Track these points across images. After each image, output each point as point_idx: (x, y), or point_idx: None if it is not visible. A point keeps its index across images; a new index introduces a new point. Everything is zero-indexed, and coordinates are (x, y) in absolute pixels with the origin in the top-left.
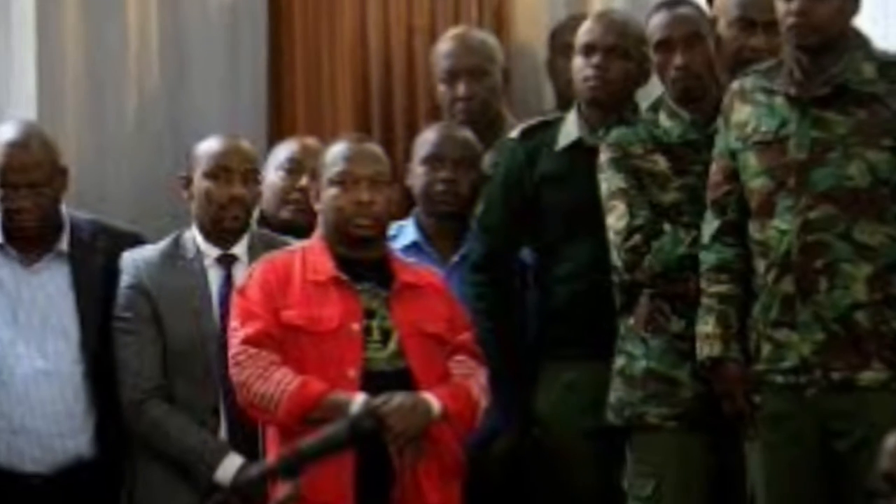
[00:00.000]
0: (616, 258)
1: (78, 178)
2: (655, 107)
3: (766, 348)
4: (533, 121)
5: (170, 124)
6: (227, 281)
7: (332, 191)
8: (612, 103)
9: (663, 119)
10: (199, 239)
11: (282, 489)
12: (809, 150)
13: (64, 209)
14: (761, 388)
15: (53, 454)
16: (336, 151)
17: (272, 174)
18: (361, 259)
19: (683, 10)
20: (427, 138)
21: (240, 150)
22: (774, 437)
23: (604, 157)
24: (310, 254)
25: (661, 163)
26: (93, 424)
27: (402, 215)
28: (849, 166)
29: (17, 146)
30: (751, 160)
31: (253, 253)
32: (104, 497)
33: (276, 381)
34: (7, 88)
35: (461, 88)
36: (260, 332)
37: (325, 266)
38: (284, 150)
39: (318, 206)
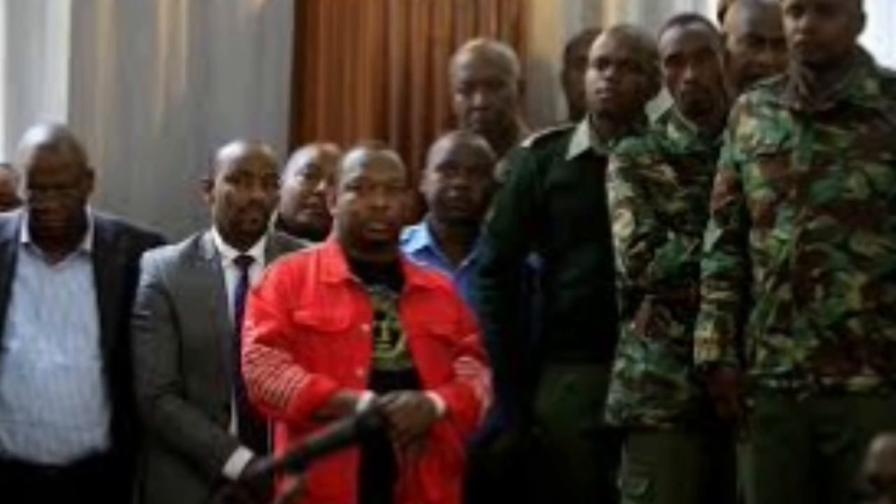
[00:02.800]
0: (620, 264)
1: (104, 180)
2: (664, 119)
3: (762, 353)
4: (545, 130)
5: (195, 130)
6: (244, 281)
7: (349, 195)
8: (622, 115)
9: (671, 131)
10: (218, 240)
11: (288, 483)
12: (811, 162)
13: (88, 210)
14: (755, 392)
15: (69, 446)
16: (354, 157)
17: (291, 179)
18: (374, 262)
19: (695, 26)
20: (442, 146)
21: (261, 155)
22: (766, 439)
23: (612, 166)
24: (324, 256)
25: (667, 173)
26: (108, 418)
27: (415, 220)
28: (848, 179)
29: (46, 149)
30: (754, 171)
31: (269, 255)
32: (117, 489)
33: (286, 379)
34: (39, 92)
35: (477, 98)
36: (273, 332)
37: (339, 268)
38: (304, 156)
39: (334, 210)
